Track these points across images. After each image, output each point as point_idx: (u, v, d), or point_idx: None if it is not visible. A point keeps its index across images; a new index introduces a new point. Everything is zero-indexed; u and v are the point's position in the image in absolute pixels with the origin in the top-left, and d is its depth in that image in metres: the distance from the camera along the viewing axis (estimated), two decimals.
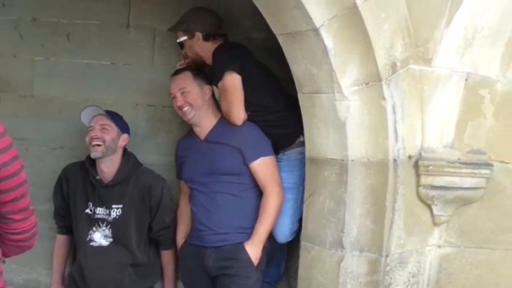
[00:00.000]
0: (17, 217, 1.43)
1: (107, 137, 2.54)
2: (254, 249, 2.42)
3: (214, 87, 2.54)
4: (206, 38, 2.56)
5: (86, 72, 2.81)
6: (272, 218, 2.43)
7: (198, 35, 2.55)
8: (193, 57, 2.58)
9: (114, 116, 2.61)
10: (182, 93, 2.47)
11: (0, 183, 1.35)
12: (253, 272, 2.43)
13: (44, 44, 2.82)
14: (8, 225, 1.44)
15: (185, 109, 2.48)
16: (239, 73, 2.41)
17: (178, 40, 2.61)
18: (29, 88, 2.82)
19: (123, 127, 2.63)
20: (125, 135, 2.63)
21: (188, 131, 2.65)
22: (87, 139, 2.56)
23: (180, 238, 2.65)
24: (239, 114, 2.44)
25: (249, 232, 2.45)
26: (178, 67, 2.64)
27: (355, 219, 2.10)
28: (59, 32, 2.81)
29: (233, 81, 2.41)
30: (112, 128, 2.57)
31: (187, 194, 2.65)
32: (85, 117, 2.59)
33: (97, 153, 2.54)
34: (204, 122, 2.52)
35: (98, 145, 2.53)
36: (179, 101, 2.47)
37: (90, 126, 2.57)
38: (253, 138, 2.47)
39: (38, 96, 2.83)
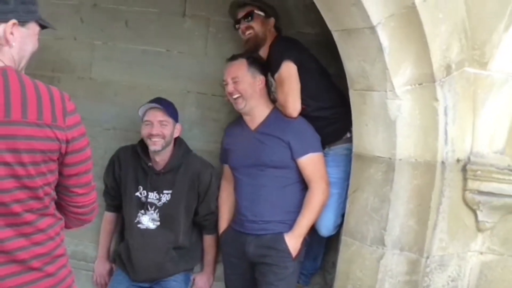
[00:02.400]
0: (79, 191, 1.51)
1: (167, 132, 2.58)
2: (293, 241, 2.44)
3: (271, 79, 2.56)
4: (275, 27, 2.62)
5: (142, 58, 2.89)
6: (315, 213, 2.44)
7: (272, 20, 2.61)
8: (258, 33, 2.57)
9: (168, 107, 2.61)
10: (234, 82, 2.50)
11: (67, 157, 1.44)
12: (291, 263, 2.45)
13: (104, 29, 2.91)
14: (71, 198, 1.52)
15: (235, 96, 2.50)
16: (296, 63, 2.43)
17: (256, 11, 2.58)
18: (87, 71, 2.93)
19: (176, 116, 2.66)
20: (178, 125, 2.67)
21: (238, 117, 2.66)
22: (144, 133, 2.59)
23: (222, 223, 2.68)
24: (295, 105, 2.44)
25: (290, 223, 2.47)
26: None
27: (399, 218, 2.10)
28: (118, 18, 2.89)
29: (289, 70, 2.42)
30: (170, 123, 2.60)
31: (230, 179, 2.67)
32: (141, 110, 2.62)
33: (157, 147, 2.57)
34: (255, 112, 2.54)
35: (158, 140, 2.56)
36: (230, 88, 2.50)
37: (148, 121, 2.59)
38: (303, 133, 2.48)
39: (96, 78, 2.93)
